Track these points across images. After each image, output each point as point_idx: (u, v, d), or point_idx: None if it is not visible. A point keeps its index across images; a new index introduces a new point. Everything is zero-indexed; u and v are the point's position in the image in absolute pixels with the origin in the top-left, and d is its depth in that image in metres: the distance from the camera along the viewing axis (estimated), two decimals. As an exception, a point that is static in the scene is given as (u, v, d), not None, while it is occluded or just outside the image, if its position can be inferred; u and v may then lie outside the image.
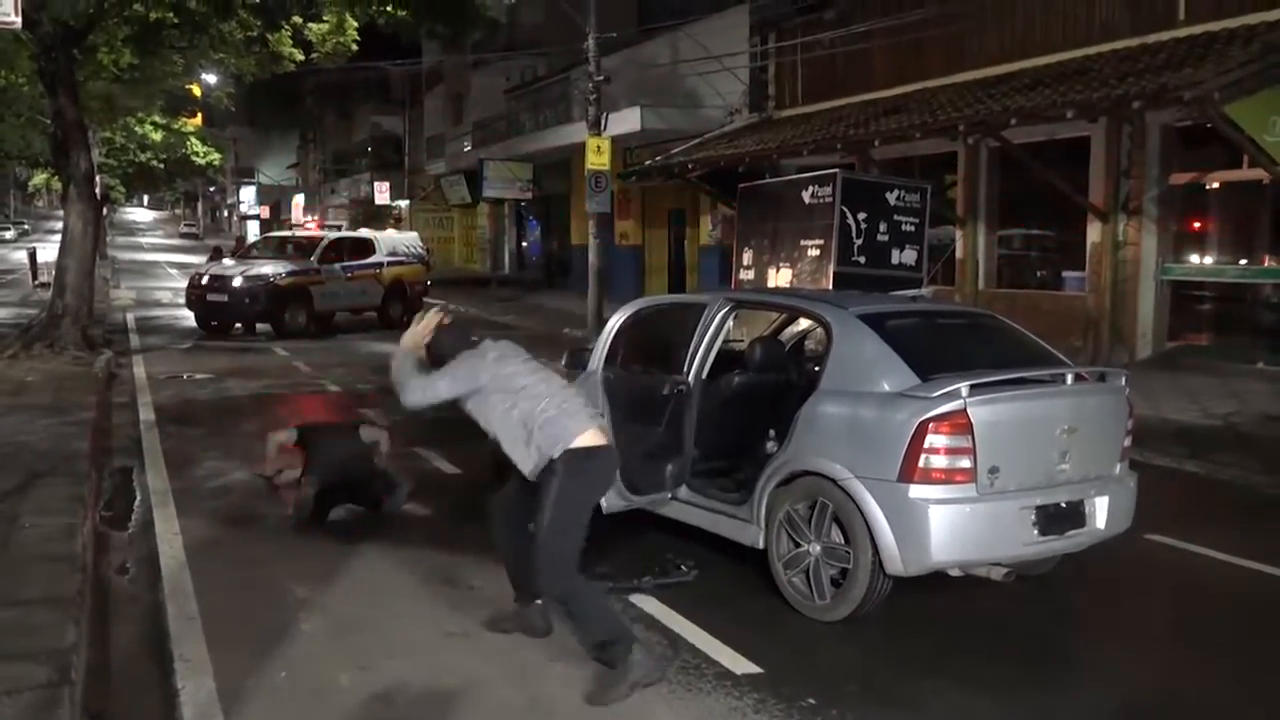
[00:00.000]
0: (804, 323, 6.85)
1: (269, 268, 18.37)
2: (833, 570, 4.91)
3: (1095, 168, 13.19)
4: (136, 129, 32.40)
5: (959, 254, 15.19)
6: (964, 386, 4.65)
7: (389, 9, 14.78)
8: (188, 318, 19.32)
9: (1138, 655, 4.80)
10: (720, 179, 17.61)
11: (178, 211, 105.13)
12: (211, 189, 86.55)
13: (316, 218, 29.63)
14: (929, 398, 4.67)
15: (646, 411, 5.74)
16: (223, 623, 4.83)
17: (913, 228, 9.37)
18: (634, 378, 5.94)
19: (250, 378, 12.98)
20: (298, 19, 16.15)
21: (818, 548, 4.95)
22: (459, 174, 34.34)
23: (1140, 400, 6.24)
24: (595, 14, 18.55)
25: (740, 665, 4.43)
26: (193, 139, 38.57)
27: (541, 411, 4.31)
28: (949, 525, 4.62)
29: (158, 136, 35.11)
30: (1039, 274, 15.13)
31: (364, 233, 22.08)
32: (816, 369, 5.49)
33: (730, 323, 6.13)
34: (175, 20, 14.86)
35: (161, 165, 41.18)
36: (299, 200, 57.03)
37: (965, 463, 4.64)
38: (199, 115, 35.36)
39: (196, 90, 25.78)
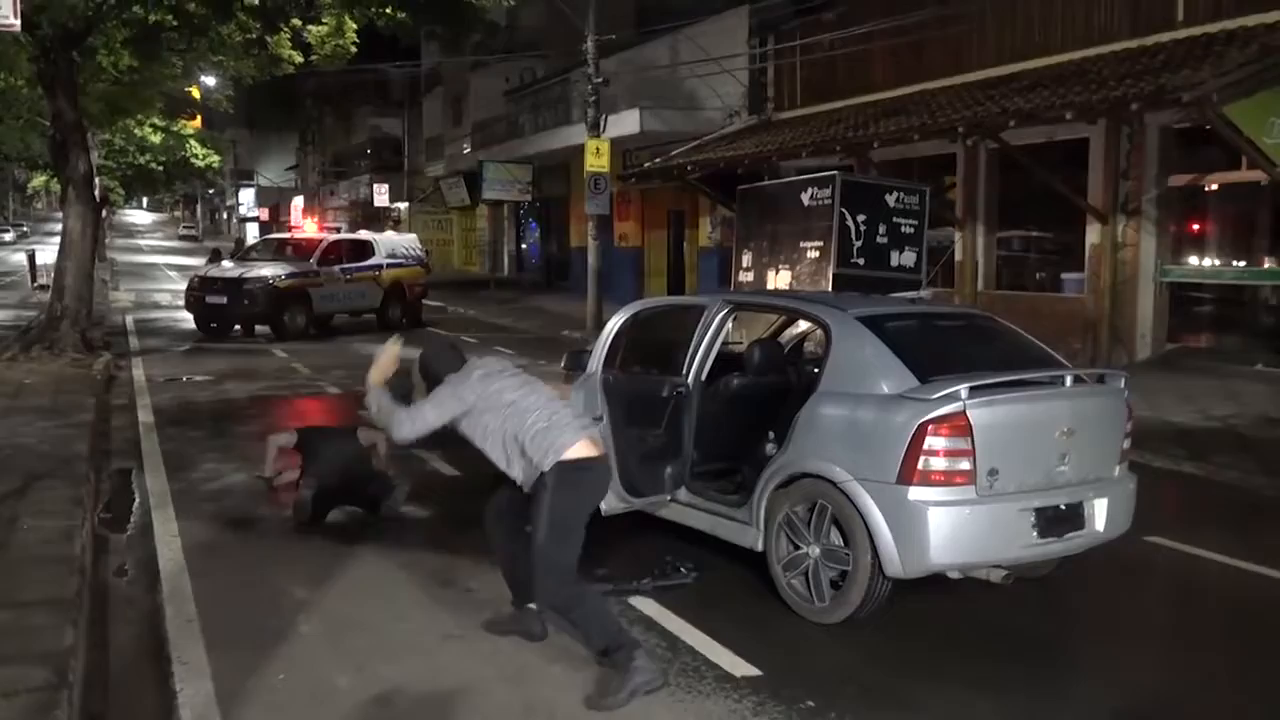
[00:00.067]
0: (803, 324, 6.84)
1: (268, 270, 18.37)
2: (832, 572, 4.91)
3: (1094, 169, 13.20)
4: (136, 131, 32.37)
5: (958, 256, 15.19)
6: (963, 388, 4.65)
7: (388, 11, 14.79)
8: (187, 320, 19.32)
9: (1137, 657, 4.79)
10: (719, 181, 17.63)
11: (177, 214, 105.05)
12: (211, 191, 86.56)
13: (318, 220, 29.52)
14: (928, 399, 4.67)
15: (646, 413, 5.74)
16: (221, 625, 4.83)
17: (912, 230, 9.38)
18: (633, 379, 5.93)
19: (249, 380, 12.97)
20: (297, 21, 16.12)
21: (817, 550, 4.95)
22: (458, 176, 34.39)
23: (1139, 402, 6.23)
24: (594, 16, 18.57)
25: (740, 667, 4.43)
26: (192, 141, 38.56)
27: (531, 425, 4.31)
28: (948, 527, 4.62)
29: (157, 139, 35.10)
30: (1038, 276, 15.14)
31: (363, 235, 22.07)
32: (816, 371, 5.49)
33: (729, 324, 6.13)
34: (174, 23, 14.85)
35: (161, 167, 41.18)
36: (298, 202, 56.99)
37: (964, 465, 4.64)
38: (198, 117, 35.36)
39: (196, 92, 25.80)
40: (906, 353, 5.00)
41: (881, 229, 9.17)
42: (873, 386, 4.94)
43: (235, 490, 7.42)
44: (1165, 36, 12.37)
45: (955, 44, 15.07)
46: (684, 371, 5.77)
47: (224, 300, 17.95)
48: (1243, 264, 12.67)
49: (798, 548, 5.04)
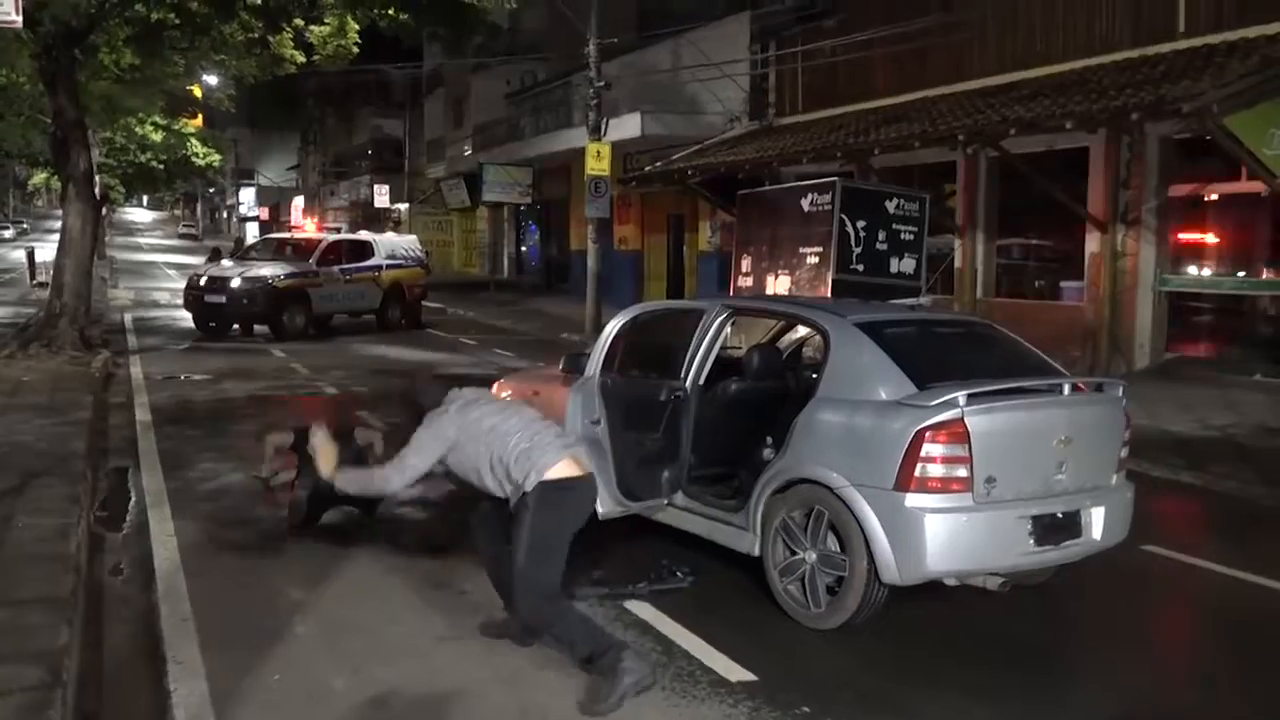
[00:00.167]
0: (802, 330, 6.85)
1: (267, 269, 18.36)
2: (828, 578, 4.90)
3: (1094, 178, 13.22)
4: (137, 129, 32.38)
5: (958, 263, 15.21)
6: (961, 396, 4.65)
7: (390, 12, 14.80)
8: (185, 318, 19.30)
9: (1133, 665, 4.79)
10: (720, 185, 17.63)
11: (177, 212, 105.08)
12: (211, 190, 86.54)
13: (318, 220, 29.57)
14: (926, 406, 4.67)
15: (643, 417, 5.73)
16: (216, 625, 4.82)
17: (912, 236, 9.37)
18: (631, 383, 5.93)
19: (247, 379, 12.96)
20: (299, 21, 16.14)
21: (813, 555, 4.95)
22: (459, 177, 34.42)
23: (1137, 411, 6.24)
24: (596, 20, 18.60)
25: (735, 672, 4.42)
26: (193, 140, 38.54)
27: (514, 446, 4.31)
28: (945, 534, 4.61)
29: (158, 137, 35.09)
30: (1037, 284, 15.15)
31: (363, 235, 22.07)
32: (814, 376, 5.49)
33: (728, 329, 6.12)
34: (176, 21, 14.86)
35: (161, 166, 41.12)
36: (299, 202, 57.02)
37: (962, 472, 4.63)
38: (199, 116, 35.35)
39: (197, 91, 25.78)
40: (905, 359, 5.00)
41: (881, 235, 9.17)
42: (871, 393, 4.94)
43: (232, 490, 7.41)
44: (1166, 47, 12.39)
45: (956, 52, 15.08)
46: (682, 375, 5.77)
47: (223, 299, 17.94)
48: (1242, 274, 12.69)
49: (794, 553, 5.04)
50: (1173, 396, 11.06)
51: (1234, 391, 11.31)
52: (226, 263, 19.70)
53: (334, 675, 4.32)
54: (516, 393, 7.23)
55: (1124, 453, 5.29)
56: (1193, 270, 13.17)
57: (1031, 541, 4.80)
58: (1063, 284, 14.29)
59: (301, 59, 17.06)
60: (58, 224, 17.87)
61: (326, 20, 15.99)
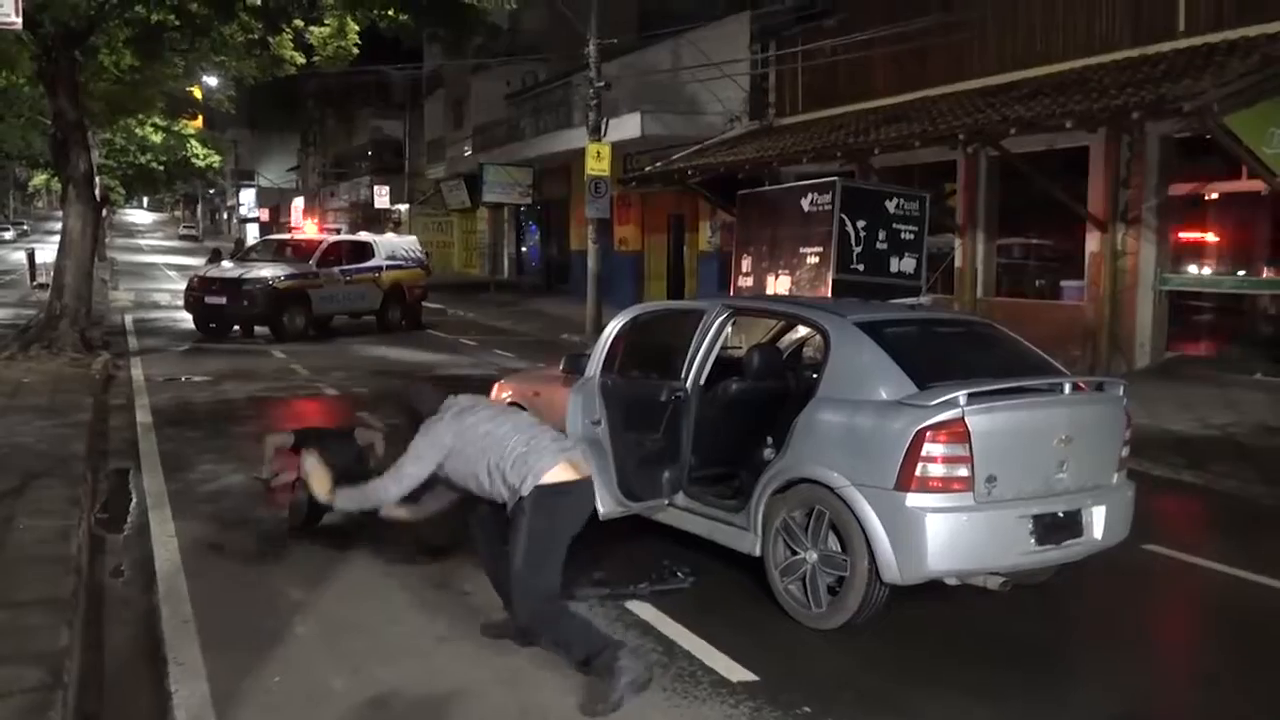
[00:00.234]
0: (802, 330, 6.85)
1: (268, 270, 18.37)
2: (829, 578, 4.90)
3: (1094, 178, 13.22)
4: (137, 131, 32.40)
5: (958, 262, 15.21)
6: (962, 395, 4.65)
7: (390, 13, 14.79)
8: (186, 320, 19.31)
9: (1134, 665, 4.78)
10: (720, 185, 17.63)
11: (177, 213, 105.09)
12: (211, 191, 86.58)
13: (318, 221, 29.55)
14: (927, 406, 4.66)
15: (644, 417, 5.73)
16: (217, 626, 4.82)
17: (912, 236, 9.37)
18: (632, 383, 5.93)
19: (248, 380, 12.96)
20: (299, 22, 16.14)
21: (814, 555, 4.94)
22: (459, 178, 34.42)
23: (1138, 410, 6.24)
24: (596, 20, 18.59)
25: (736, 673, 4.42)
26: (193, 141, 38.58)
27: (510, 450, 4.32)
28: (946, 534, 4.61)
29: (158, 138, 35.12)
30: (1038, 283, 15.15)
31: (363, 236, 22.08)
32: (814, 376, 5.49)
33: (728, 329, 6.12)
34: (176, 23, 14.85)
35: (161, 167, 41.16)
36: (299, 203, 57.03)
37: (963, 471, 4.63)
38: (199, 117, 35.35)
39: (197, 92, 25.79)
40: (905, 359, 5.00)
41: (881, 235, 9.16)
42: (871, 392, 4.94)
43: (232, 491, 7.41)
44: (1166, 46, 12.38)
45: (956, 51, 15.08)
46: (683, 376, 5.77)
47: (223, 301, 17.95)
48: (1242, 273, 12.68)
49: (795, 553, 5.04)
50: (1173, 395, 11.06)
51: (1234, 390, 11.30)
52: (227, 264, 19.71)
53: (334, 676, 4.33)
54: (517, 393, 7.24)
55: (1125, 452, 5.29)
56: (1193, 269, 13.17)
57: (1032, 541, 4.79)
58: (1063, 283, 14.28)
59: (301, 60, 17.06)
60: (58, 225, 17.87)
61: (326, 21, 15.99)
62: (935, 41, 15.13)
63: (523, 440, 4.36)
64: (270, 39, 16.25)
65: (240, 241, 48.46)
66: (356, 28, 16.06)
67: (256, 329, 18.35)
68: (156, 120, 30.90)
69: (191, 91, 25.15)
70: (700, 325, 5.86)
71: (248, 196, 75.90)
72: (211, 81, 22.75)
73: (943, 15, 15.02)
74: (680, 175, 18.66)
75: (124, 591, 5.41)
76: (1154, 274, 12.87)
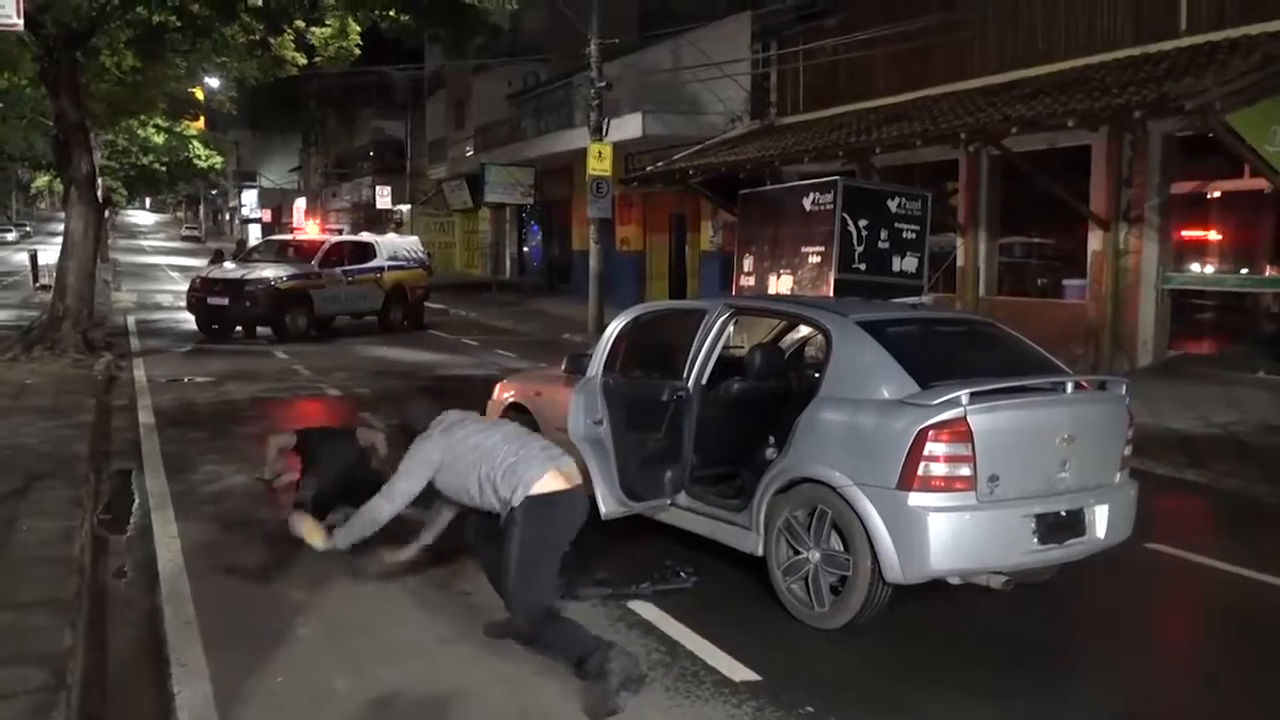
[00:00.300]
0: (804, 329, 6.84)
1: (270, 271, 18.38)
2: (832, 578, 4.90)
3: (1096, 176, 13.20)
4: (139, 132, 32.44)
5: (960, 261, 15.20)
6: (964, 394, 4.65)
7: (391, 13, 14.80)
8: (188, 321, 19.33)
9: (1137, 664, 4.78)
10: (721, 185, 17.62)
11: (179, 214, 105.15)
12: (213, 192, 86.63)
13: (320, 221, 29.62)
14: (929, 405, 4.66)
15: (646, 417, 5.73)
16: (219, 627, 4.82)
17: (914, 235, 9.36)
18: (634, 383, 5.93)
19: (250, 381, 12.97)
20: (300, 23, 16.15)
21: (817, 555, 4.94)
22: (460, 178, 34.42)
23: (1140, 409, 6.23)
24: (597, 20, 18.59)
25: (739, 672, 4.42)
26: (195, 142, 38.64)
27: (500, 461, 4.34)
28: (948, 533, 4.61)
29: (160, 139, 35.17)
30: (1040, 282, 15.14)
31: (365, 237, 22.10)
32: (816, 376, 5.48)
33: (730, 329, 6.12)
34: (178, 24, 14.87)
35: (164, 168, 41.23)
36: (301, 204, 57.05)
37: (965, 471, 4.63)
38: (201, 118, 35.41)
39: (199, 93, 25.82)
40: (907, 358, 4.99)
41: (883, 234, 9.15)
42: (873, 392, 4.93)
43: (235, 492, 7.41)
44: (1168, 44, 12.37)
45: (958, 50, 15.07)
46: (684, 375, 5.77)
47: (225, 301, 17.96)
48: (1244, 271, 12.67)
49: (798, 553, 5.04)
50: (1175, 394, 11.05)
51: (1236, 389, 11.30)
52: (229, 265, 19.73)
53: (337, 676, 4.33)
54: (519, 393, 7.25)
55: (1127, 451, 5.29)
56: (1195, 268, 13.15)
57: (1035, 540, 4.79)
58: (1065, 282, 14.27)
59: (303, 61, 17.08)
60: (61, 227, 17.89)
61: (328, 22, 16.00)
62: (936, 40, 15.12)
63: (512, 451, 4.38)
64: (272, 40, 16.27)
65: (242, 242, 48.47)
66: (358, 28, 16.07)
67: (259, 330, 18.36)
68: (158, 121, 30.95)
69: (193, 92, 25.20)
70: (702, 325, 5.86)
71: (250, 197, 75.90)
72: (213, 82, 22.77)
73: (944, 14, 15.01)
74: (682, 175, 18.65)
75: (127, 592, 5.41)
76: (1156, 273, 12.86)
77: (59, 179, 19.26)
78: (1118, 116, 11.26)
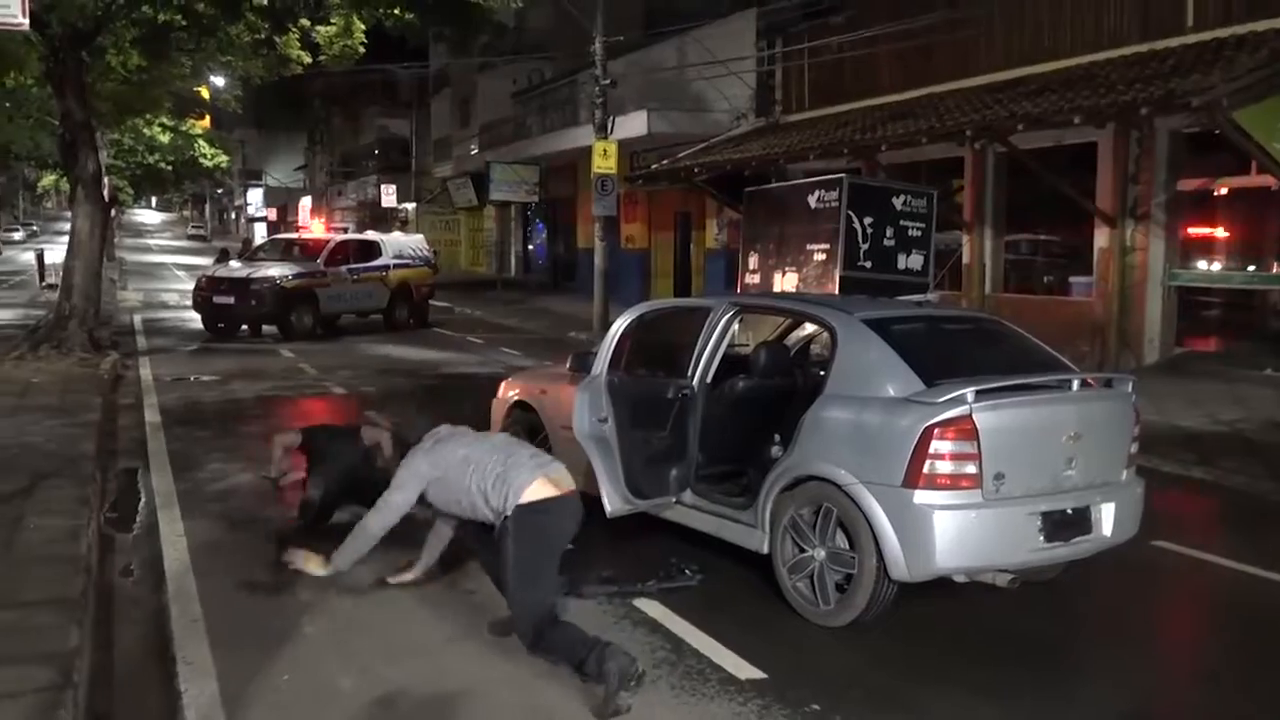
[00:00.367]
0: (809, 327, 6.83)
1: (275, 270, 18.41)
2: (837, 575, 4.89)
3: (1103, 173, 13.17)
4: (144, 131, 32.50)
5: (966, 259, 15.16)
6: (970, 392, 4.64)
7: (396, 12, 14.81)
8: (194, 319, 19.36)
9: (1144, 662, 4.77)
10: (727, 183, 17.62)
11: (185, 213, 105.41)
12: (219, 191, 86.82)
13: (325, 220, 29.68)
14: (934, 403, 4.65)
15: (651, 415, 5.73)
16: (226, 625, 4.83)
17: (919, 232, 9.37)
18: (639, 381, 5.93)
19: (256, 380, 12.99)
20: (305, 22, 16.17)
21: (822, 553, 4.94)
22: (465, 176, 34.43)
23: (1147, 406, 6.22)
24: (602, 18, 18.58)
25: (744, 670, 4.42)
26: (200, 141, 38.67)
27: (490, 471, 4.36)
28: (954, 531, 4.60)
29: (166, 138, 35.22)
30: (1046, 279, 15.10)
31: (370, 235, 22.12)
32: (821, 374, 5.48)
33: (735, 327, 6.11)
34: (183, 23, 14.90)
35: (169, 167, 41.25)
36: (306, 202, 57.14)
37: (971, 468, 4.62)
38: (207, 117, 35.49)
39: (205, 92, 25.88)
40: (912, 356, 4.98)
41: (889, 232, 9.15)
42: (878, 390, 4.93)
43: (241, 490, 7.42)
44: (1175, 41, 12.33)
45: (963, 47, 15.03)
46: (689, 373, 5.77)
47: (231, 300, 18.00)
48: (1251, 269, 12.64)
49: (803, 550, 5.03)
50: (1182, 392, 11.02)
51: (1243, 386, 11.26)
52: (235, 263, 19.78)
53: (343, 675, 4.33)
54: (524, 391, 7.25)
55: (1134, 448, 5.27)
56: (1202, 265, 13.11)
57: (1041, 538, 4.78)
58: (1071, 279, 14.24)
59: (308, 59, 17.11)
60: (67, 226, 17.93)
61: (332, 20, 16.02)
62: (942, 38, 15.08)
63: (500, 460, 4.40)
64: (277, 38, 16.30)
65: (248, 241, 48.61)
66: (363, 27, 16.09)
67: (264, 328, 18.39)
68: (164, 120, 31.01)
69: (199, 91, 25.25)
70: (707, 323, 5.85)
71: (255, 196, 76.00)
72: (219, 81, 22.82)
73: (949, 11, 14.98)
74: (687, 173, 18.64)
75: (133, 591, 5.42)
76: (1163, 270, 12.83)
77: (65, 178, 19.34)
78: (1124, 113, 11.23)
